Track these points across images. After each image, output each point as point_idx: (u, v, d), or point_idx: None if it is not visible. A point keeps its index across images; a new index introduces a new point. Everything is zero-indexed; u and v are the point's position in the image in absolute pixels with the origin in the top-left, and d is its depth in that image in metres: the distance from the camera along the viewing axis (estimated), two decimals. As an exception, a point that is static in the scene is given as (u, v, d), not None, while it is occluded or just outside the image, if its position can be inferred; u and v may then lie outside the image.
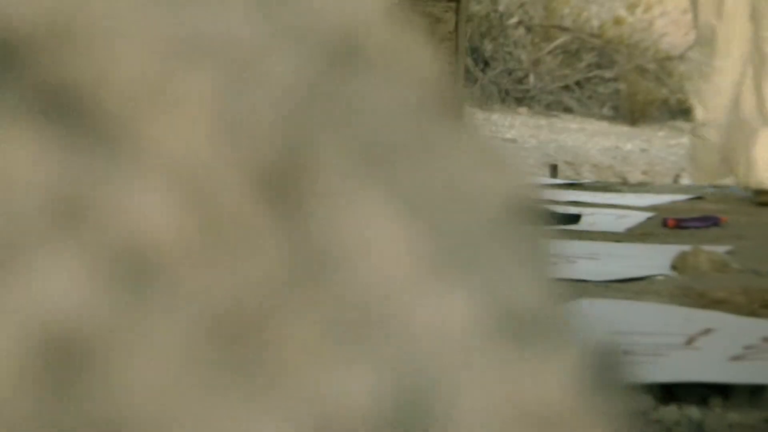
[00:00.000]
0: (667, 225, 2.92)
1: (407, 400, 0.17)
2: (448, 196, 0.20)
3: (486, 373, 0.19)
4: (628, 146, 9.67)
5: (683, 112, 12.75)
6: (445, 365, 0.18)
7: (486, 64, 12.78)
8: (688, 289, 2.00)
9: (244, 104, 0.18)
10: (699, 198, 3.75)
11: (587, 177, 8.10)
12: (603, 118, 12.04)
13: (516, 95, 12.44)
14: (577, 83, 12.56)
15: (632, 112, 11.96)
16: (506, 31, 12.95)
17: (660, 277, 2.14)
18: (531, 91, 12.40)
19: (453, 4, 4.79)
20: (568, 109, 12.21)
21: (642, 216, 3.11)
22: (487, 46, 12.88)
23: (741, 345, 1.47)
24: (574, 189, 4.12)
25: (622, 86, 12.27)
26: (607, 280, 2.09)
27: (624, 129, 11.46)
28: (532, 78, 12.54)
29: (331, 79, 0.21)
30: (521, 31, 13.25)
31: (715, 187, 4.17)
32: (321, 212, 0.17)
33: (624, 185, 4.47)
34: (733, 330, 1.58)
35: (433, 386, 0.17)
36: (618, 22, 13.24)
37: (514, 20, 13.14)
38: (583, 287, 2.01)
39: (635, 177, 8.20)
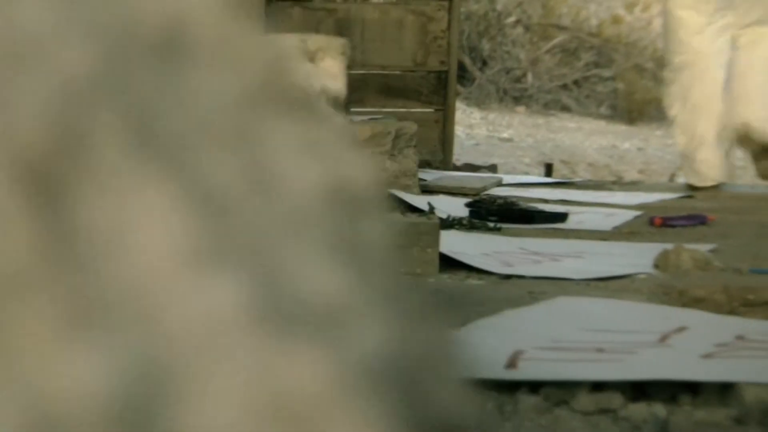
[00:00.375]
0: (654, 224, 2.93)
1: (142, 385, 0.17)
2: (251, 186, 0.20)
3: (240, 363, 0.19)
4: (625, 145, 9.67)
5: (681, 111, 12.73)
6: (194, 354, 0.18)
7: (484, 63, 12.77)
8: (668, 288, 2.01)
9: (10, 96, 0.18)
10: (689, 197, 3.75)
11: (583, 176, 8.10)
12: (601, 117, 12.03)
13: (514, 94, 12.43)
14: (575, 82, 12.55)
15: (630, 112, 11.94)
16: (504, 30, 12.94)
17: (642, 276, 2.14)
18: (529, 90, 12.39)
19: (446, 3, 4.80)
20: (565, 108, 12.20)
21: (630, 215, 3.11)
22: (485, 45, 12.87)
23: (713, 343, 1.48)
24: (566, 188, 4.12)
25: (620, 85, 12.26)
26: (588, 278, 2.09)
27: (621, 128, 11.45)
28: (530, 77, 12.54)
29: (133, 70, 0.21)
30: (519, 30, 13.23)
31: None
32: (90, 202, 0.18)
33: (615, 184, 4.47)
34: (707, 328, 1.58)
35: (175, 373, 0.18)
36: (616, 21, 13.22)
37: (512, 19, 13.13)
38: (564, 285, 2.02)
39: (631, 176, 8.19)
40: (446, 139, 4.80)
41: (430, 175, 4.10)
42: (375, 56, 4.78)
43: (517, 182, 4.20)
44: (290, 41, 1.30)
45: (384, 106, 4.81)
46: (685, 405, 1.30)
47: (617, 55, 12.69)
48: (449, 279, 2.07)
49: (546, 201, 3.48)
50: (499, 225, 2.84)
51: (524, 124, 11.11)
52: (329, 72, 1.27)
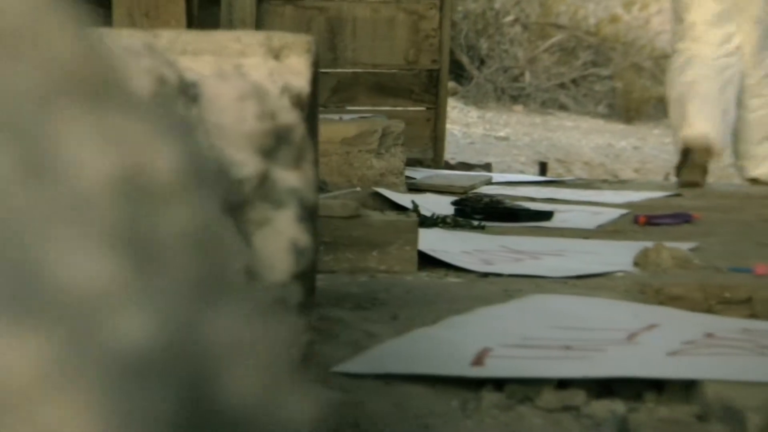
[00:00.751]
0: (639, 222, 2.93)
1: None
2: (25, 175, 0.20)
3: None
4: (622, 144, 9.67)
5: (679, 110, 12.73)
6: None
7: (482, 62, 12.77)
8: (645, 286, 2.01)
9: None
10: (677, 195, 3.75)
11: (578, 174, 8.10)
12: (598, 115, 12.03)
13: (512, 93, 12.43)
14: (573, 81, 12.56)
15: (627, 110, 11.95)
16: (502, 28, 12.94)
17: (620, 274, 2.15)
18: (526, 89, 12.39)
19: (437, 1, 4.80)
20: (563, 107, 12.20)
21: (616, 213, 3.12)
22: (483, 44, 12.86)
23: (681, 341, 1.48)
24: (555, 186, 4.12)
25: (617, 84, 12.26)
26: (566, 276, 2.09)
27: (619, 127, 11.45)
28: (527, 76, 12.53)
29: None
30: (517, 28, 13.23)
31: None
32: None
33: (605, 182, 4.47)
34: (677, 326, 1.58)
35: None
36: (614, 20, 13.22)
37: (510, 18, 13.12)
38: (541, 283, 2.02)
39: (627, 174, 8.19)
40: (438, 138, 4.79)
41: (420, 174, 4.10)
42: (366, 54, 4.78)
43: (507, 181, 4.21)
44: (255, 38, 1.29)
45: (376, 105, 4.81)
46: (649, 402, 1.31)
47: (615, 54, 12.70)
48: (427, 277, 2.07)
49: (533, 199, 3.49)
50: (483, 223, 2.84)
51: (521, 122, 11.11)
52: (293, 69, 1.27)
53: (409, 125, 4.81)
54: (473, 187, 3.73)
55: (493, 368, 1.36)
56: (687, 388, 1.30)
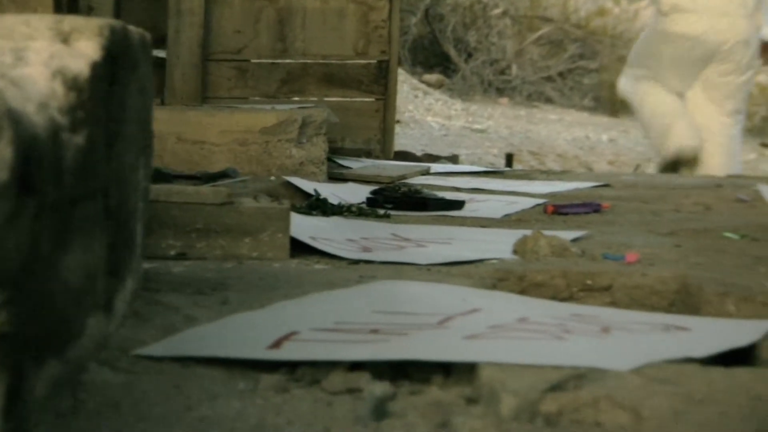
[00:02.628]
0: (546, 211, 2.94)
1: None
2: None
3: None
4: (601, 136, 9.66)
5: (666, 103, 12.71)
6: None
7: (469, 54, 12.76)
8: (508, 273, 2.01)
9: None
10: (605, 186, 3.75)
11: (551, 166, 8.10)
12: (583, 108, 12.02)
13: (498, 85, 12.42)
14: (560, 74, 12.55)
15: (613, 103, 11.93)
16: (490, 21, 12.93)
17: (494, 261, 2.15)
18: (513, 81, 12.38)
19: (386, -7, 4.79)
20: (549, 100, 12.19)
21: (532, 203, 3.12)
22: (471, 37, 12.85)
23: (489, 324, 1.49)
24: (493, 177, 4.12)
25: (604, 77, 12.25)
26: (437, 263, 2.10)
27: (603, 120, 11.44)
28: (514, 69, 12.52)
29: None
30: (506, 21, 13.21)
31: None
32: None
33: (545, 173, 4.47)
34: (498, 310, 1.59)
35: None
36: (602, 12, 13.20)
37: (498, 11, 13.11)
38: (404, 270, 2.03)
39: (601, 167, 8.19)
40: (387, 129, 4.80)
41: (358, 164, 4.11)
42: (316, 45, 4.79)
43: (445, 171, 4.21)
44: (44, 22, 1.30)
45: (325, 96, 4.82)
46: (433, 385, 1.31)
47: (602, 47, 12.68)
48: (296, 264, 2.08)
49: (459, 189, 3.50)
50: (390, 212, 2.85)
51: (505, 115, 11.11)
52: (78, 53, 1.28)
53: (358, 116, 4.83)
54: (404, 177, 3.74)
55: (287, 352, 1.37)
56: (472, 371, 1.31)
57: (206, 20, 4.74)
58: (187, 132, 3.21)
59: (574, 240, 2.42)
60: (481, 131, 8.84)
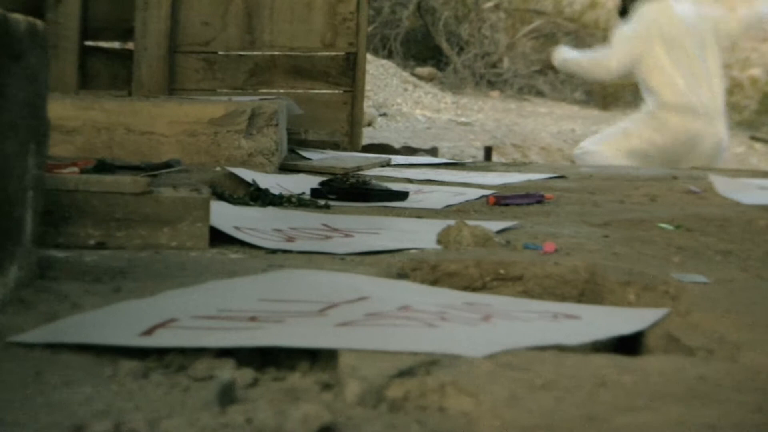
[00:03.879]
0: (488, 203, 2.94)
1: None
2: None
3: None
4: (589, 130, 9.64)
5: (658, 96, 12.70)
6: None
7: (461, 48, 12.75)
8: (421, 262, 2.02)
9: None
10: (561, 177, 3.75)
11: (534, 159, 8.09)
12: (575, 102, 12.00)
13: (489, 79, 12.41)
14: (552, 67, 12.52)
15: (604, 97, 11.92)
16: (482, 14, 12.91)
17: (414, 251, 2.15)
18: (504, 74, 12.37)
19: (354, -15, 4.79)
20: (540, 93, 12.17)
21: (478, 194, 3.12)
22: (464, 30, 12.83)
23: (367, 312, 1.49)
24: (453, 168, 4.12)
25: (595, 70, 12.22)
26: (350, 252, 2.10)
27: (594, 113, 11.42)
28: (506, 62, 12.51)
29: None
30: (500, 14, 13.19)
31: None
32: None
33: (506, 165, 4.47)
34: (386, 298, 1.59)
35: None
36: (595, 6, 13.18)
37: (490, 3, 13.09)
38: (318, 259, 2.03)
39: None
40: (354, 121, 4.80)
41: (318, 155, 4.11)
42: (283, 38, 4.79)
43: (406, 163, 4.21)
44: None
45: (293, 88, 4.82)
46: (297, 371, 1.32)
47: (594, 40, 12.65)
48: (213, 253, 2.08)
49: (411, 181, 3.50)
50: (331, 203, 2.86)
51: (495, 108, 11.10)
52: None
53: (326, 108, 4.83)
54: (360, 168, 3.74)
55: (157, 339, 1.38)
56: (334, 357, 1.31)
57: (174, 12, 4.75)
58: (135, 123, 3.22)
59: (503, 230, 2.42)
60: (467, 124, 8.83)
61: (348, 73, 4.82)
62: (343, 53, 4.82)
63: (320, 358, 1.34)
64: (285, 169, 3.57)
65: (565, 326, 1.53)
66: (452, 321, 1.46)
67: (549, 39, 13.00)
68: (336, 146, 4.72)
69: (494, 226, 2.43)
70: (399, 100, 10.07)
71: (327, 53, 4.84)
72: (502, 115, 10.62)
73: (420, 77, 12.07)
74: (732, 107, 11.86)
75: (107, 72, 4.80)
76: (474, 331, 1.41)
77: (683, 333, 1.46)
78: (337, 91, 4.83)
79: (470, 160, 6.98)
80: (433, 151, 6.14)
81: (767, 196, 3.23)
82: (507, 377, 1.20)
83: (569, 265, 1.99)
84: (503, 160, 7.58)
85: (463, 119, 9.04)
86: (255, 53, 4.84)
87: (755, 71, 12.81)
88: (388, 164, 4.09)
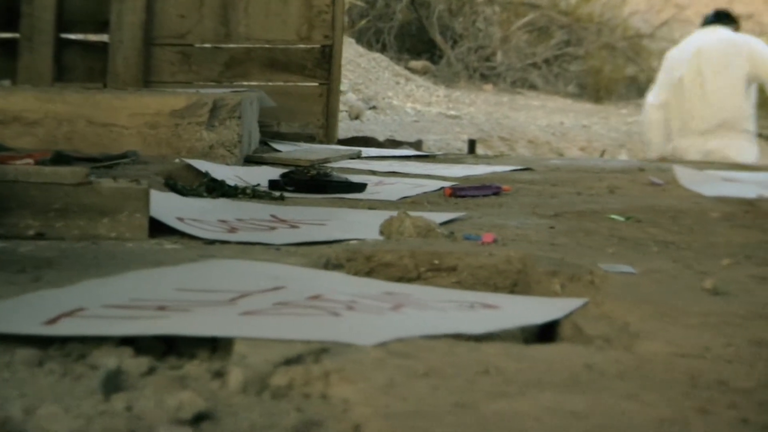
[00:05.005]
0: (445, 194, 2.94)
1: None
2: None
3: None
4: (579, 123, 9.64)
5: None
6: None
7: (455, 42, 12.74)
8: (356, 253, 2.02)
9: None
10: (526, 170, 3.75)
11: (522, 152, 8.09)
12: (568, 95, 11.99)
13: (483, 72, 12.40)
14: (546, 61, 12.52)
15: (597, 90, 11.91)
16: (476, 8, 12.90)
17: (353, 242, 2.15)
18: (498, 68, 12.36)
19: (329, -22, 4.79)
20: (533, 87, 12.17)
21: (437, 186, 3.12)
22: (458, 24, 12.82)
23: (276, 301, 1.50)
24: (424, 161, 4.13)
25: (589, 64, 12.22)
26: (286, 243, 2.11)
27: (587, 106, 11.41)
28: (499, 55, 12.50)
29: None
30: (493, 8, 13.17)
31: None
32: None
33: (477, 157, 4.47)
34: (300, 287, 1.59)
35: None
36: (589, -1, 13.15)
37: (485, -3, 13.07)
38: (252, 250, 2.03)
39: (572, 153, 8.18)
40: (330, 113, 4.80)
41: (288, 147, 4.12)
42: (259, 30, 4.79)
43: (377, 155, 4.21)
44: None
45: (269, 80, 4.83)
46: (196, 360, 1.32)
47: (588, 34, 12.64)
48: (149, 244, 2.08)
49: (375, 173, 3.50)
50: (288, 194, 2.86)
51: (488, 101, 11.10)
52: None
53: (302, 101, 4.83)
54: (326, 160, 3.74)
55: (59, 327, 1.38)
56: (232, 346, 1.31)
57: (150, 5, 4.75)
58: (96, 115, 3.22)
59: (449, 222, 2.42)
60: (455, 117, 8.83)
61: (324, 66, 4.82)
62: (318, 46, 4.83)
63: (221, 347, 1.34)
64: (251, 161, 3.58)
65: (479, 315, 1.54)
66: (359, 310, 1.47)
67: (543, 32, 13.00)
68: (312, 139, 4.72)
69: (440, 217, 2.44)
70: (390, 94, 10.07)
71: (303, 46, 4.84)
72: (494, 108, 10.62)
73: (414, 71, 12.07)
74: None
75: (83, 64, 4.80)
76: (376, 320, 1.41)
77: (588, 322, 1.46)
78: (312, 84, 4.84)
79: (455, 152, 6.98)
80: (417, 144, 6.14)
81: (730, 188, 3.23)
82: (392, 365, 1.20)
83: (503, 256, 1.99)
84: (489, 153, 7.58)
85: (452, 112, 9.04)
86: (231, 46, 4.84)
87: (750, 64, 12.79)
88: (358, 156, 4.09)
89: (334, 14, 4.81)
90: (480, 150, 7.74)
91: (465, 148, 7.70)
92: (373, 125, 7.79)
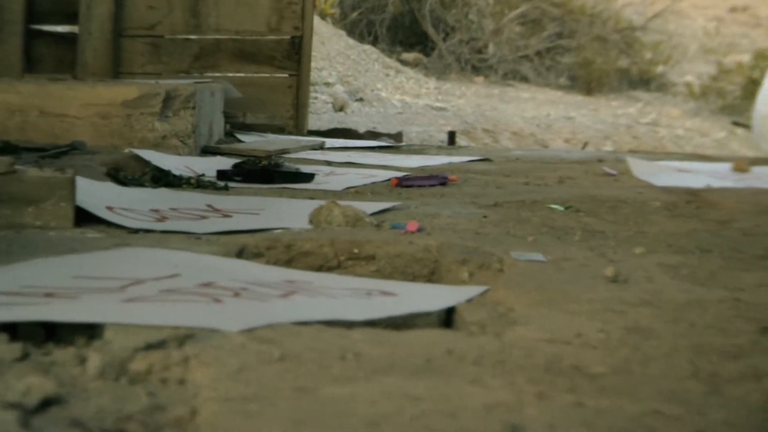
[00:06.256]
0: (391, 184, 2.94)
1: None
2: None
3: None
4: (567, 114, 9.62)
5: (644, 82, 12.68)
6: None
7: (447, 34, 12.72)
8: (275, 241, 2.02)
9: None
10: (486, 160, 3.75)
11: (506, 144, 8.08)
12: (559, 87, 11.98)
13: (475, 64, 12.39)
14: (538, 53, 12.50)
15: (589, 82, 11.89)
16: (469, 0, 12.87)
17: (278, 231, 2.16)
18: (489, 60, 12.35)
19: (299, -32, 4.79)
20: (525, 79, 12.15)
21: (388, 176, 3.12)
22: (451, 15, 12.80)
23: (164, 288, 1.50)
24: (387, 152, 4.13)
25: (581, 56, 12.19)
26: (210, 232, 2.11)
27: (578, 98, 11.40)
28: (491, 47, 12.48)
29: None
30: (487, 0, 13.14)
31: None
32: None
33: (441, 149, 4.47)
34: (194, 275, 1.59)
35: None
36: (582, -10, 13.12)
37: (477, -11, 13.04)
38: (173, 238, 2.04)
39: (557, 144, 8.17)
40: (300, 104, 4.80)
41: (254, 138, 4.12)
42: (229, 21, 4.79)
43: (340, 146, 4.21)
44: None
45: (238, 71, 4.83)
46: (72, 347, 1.32)
47: (580, 26, 12.62)
48: (72, 233, 2.08)
49: (330, 163, 3.50)
50: (233, 185, 2.86)
51: (478, 94, 11.08)
52: None
53: (271, 92, 4.83)
54: (285, 151, 3.74)
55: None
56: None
57: (118, -2, 4.75)
58: (49, 105, 3.22)
59: (383, 211, 2.42)
60: (441, 109, 8.83)
61: (293, 57, 4.82)
62: (288, 37, 4.82)
63: (98, 334, 1.35)
64: (208, 151, 3.58)
65: (372, 303, 1.54)
66: (245, 297, 1.47)
67: (535, 24, 12.97)
68: (281, 130, 4.73)
69: (373, 206, 2.44)
70: (379, 86, 10.06)
71: (272, 37, 4.84)
72: (484, 100, 10.60)
73: (405, 63, 12.05)
74: (717, 93, 11.84)
75: (52, 56, 4.81)
76: (254, 307, 1.42)
77: (472, 309, 1.47)
78: (282, 75, 4.84)
79: (437, 144, 6.98)
80: (397, 136, 6.13)
81: (681, 178, 3.23)
82: (251, 350, 1.20)
83: (422, 245, 1.99)
84: (472, 144, 7.58)
85: (438, 104, 9.03)
86: (201, 37, 4.84)
87: (743, 57, 12.77)
88: (321, 147, 4.09)
89: (304, 5, 4.81)
90: (463, 142, 7.74)
91: (446, 139, 7.70)
92: (357, 117, 7.78)
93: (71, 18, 4.80)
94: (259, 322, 1.30)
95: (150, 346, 1.22)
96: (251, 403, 1.03)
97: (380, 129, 7.41)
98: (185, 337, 1.25)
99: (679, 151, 8.44)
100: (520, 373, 1.14)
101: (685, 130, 9.98)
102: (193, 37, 4.85)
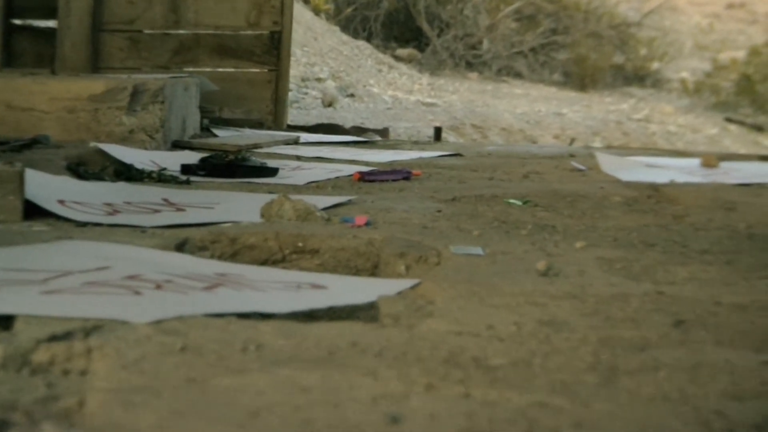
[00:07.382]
0: (354, 179, 2.94)
1: None
2: None
3: None
4: (559, 111, 9.62)
5: (639, 78, 12.66)
6: None
7: (441, 30, 12.71)
8: (220, 235, 2.02)
9: None
10: (457, 155, 3.75)
11: (494, 140, 8.08)
12: (553, 83, 11.97)
13: (469, 60, 12.38)
14: (532, 49, 12.49)
15: (582, 78, 11.88)
16: (464, -4, 12.86)
17: (227, 225, 2.16)
18: (483, 56, 12.34)
19: (278, -37, 4.79)
20: (519, 75, 12.14)
21: (353, 171, 3.12)
22: (446, 12, 12.79)
23: (88, 281, 1.50)
24: (360, 147, 4.13)
25: (575, 52, 12.19)
26: (156, 225, 2.11)
27: (571, 94, 11.39)
28: (485, 43, 12.48)
29: None
30: (482, -5, 13.14)
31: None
32: None
33: (415, 143, 4.47)
34: (122, 268, 1.59)
35: None
36: (576, -13, 13.11)
37: (473, -15, 13.03)
38: (120, 232, 2.04)
39: (546, 140, 8.17)
40: (279, 99, 4.80)
41: (227, 132, 4.12)
42: (208, 16, 4.79)
43: (315, 141, 4.21)
44: None
45: (217, 66, 4.83)
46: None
47: (575, 22, 12.61)
48: (19, 227, 2.09)
49: (300, 158, 3.50)
50: (195, 179, 2.86)
51: (471, 90, 11.08)
52: None
53: (251, 87, 4.83)
54: (257, 146, 3.74)
55: None
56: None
57: (98, -8, 4.75)
58: (16, 99, 3.23)
59: (337, 205, 2.42)
60: (432, 105, 8.82)
61: (272, 52, 4.82)
62: (267, 32, 4.82)
63: (11, 325, 1.35)
64: (179, 146, 3.58)
65: (299, 296, 1.54)
66: (167, 290, 1.47)
67: (530, 20, 12.96)
68: (260, 125, 4.73)
69: (326, 200, 2.44)
70: (372, 81, 10.06)
71: (252, 32, 4.84)
72: (477, 96, 10.60)
73: (399, 59, 12.05)
74: (711, 89, 11.82)
75: (32, 50, 4.81)
76: (175, 299, 1.42)
77: (391, 302, 1.46)
78: (261, 70, 4.83)
79: (425, 139, 6.97)
80: (383, 132, 6.13)
81: (647, 173, 3.23)
82: (155, 341, 1.20)
83: (366, 239, 1.99)
84: (461, 140, 7.57)
85: (429, 100, 9.02)
86: (180, 32, 4.84)
87: (738, 53, 12.75)
88: (296, 142, 4.09)
89: (283, 0, 4.81)
90: (451, 138, 7.74)
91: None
92: (345, 112, 7.78)
93: (51, 13, 4.80)
94: (170, 313, 1.30)
95: (54, 338, 1.22)
96: (138, 394, 1.04)
97: (368, 125, 7.41)
98: (93, 328, 1.25)
99: (669, 147, 8.42)
100: (417, 365, 1.14)
101: (678, 126, 9.97)
102: (172, 32, 4.85)
